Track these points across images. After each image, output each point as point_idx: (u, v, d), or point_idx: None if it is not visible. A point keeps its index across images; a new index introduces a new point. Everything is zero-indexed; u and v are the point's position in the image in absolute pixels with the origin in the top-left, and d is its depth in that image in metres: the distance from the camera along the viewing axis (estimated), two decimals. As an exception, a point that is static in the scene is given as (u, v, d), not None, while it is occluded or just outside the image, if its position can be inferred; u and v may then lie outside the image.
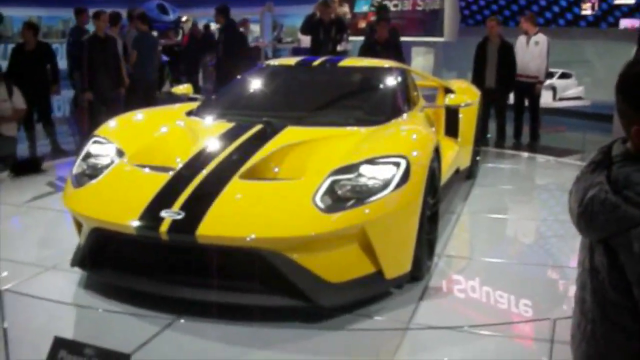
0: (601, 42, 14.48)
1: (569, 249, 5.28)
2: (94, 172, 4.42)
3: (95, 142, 4.72)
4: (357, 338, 3.72)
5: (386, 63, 6.24)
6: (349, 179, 3.89)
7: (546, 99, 11.11)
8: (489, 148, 9.27)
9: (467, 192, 7.00)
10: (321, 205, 3.72)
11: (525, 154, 9.26)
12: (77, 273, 4.32)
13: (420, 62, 14.37)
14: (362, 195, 3.82)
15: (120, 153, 4.51)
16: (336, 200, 3.79)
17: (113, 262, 4.04)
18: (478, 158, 7.78)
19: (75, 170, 4.53)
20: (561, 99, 11.32)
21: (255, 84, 6.01)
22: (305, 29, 10.62)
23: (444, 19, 14.38)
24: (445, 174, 5.59)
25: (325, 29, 10.14)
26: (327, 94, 5.72)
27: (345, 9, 15.30)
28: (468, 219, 6.22)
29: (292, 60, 6.45)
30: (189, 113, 5.38)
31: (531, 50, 9.39)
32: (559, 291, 4.66)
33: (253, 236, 3.58)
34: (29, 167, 7.80)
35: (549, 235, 5.95)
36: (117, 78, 9.11)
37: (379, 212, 3.78)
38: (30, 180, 7.26)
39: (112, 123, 5.13)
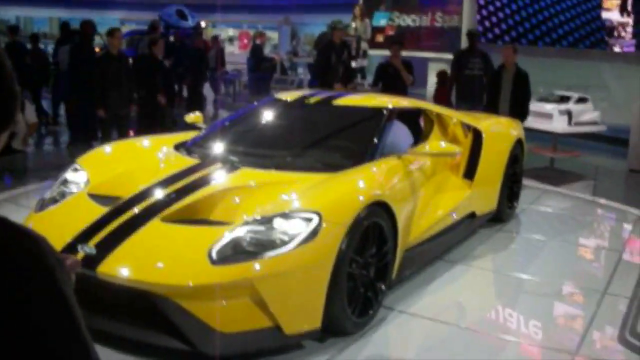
0: (619, 65, 14.37)
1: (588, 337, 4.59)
2: (60, 198, 4.70)
3: (73, 169, 4.99)
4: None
5: (391, 102, 5.98)
6: (257, 232, 3.90)
7: (560, 125, 10.99)
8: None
9: (484, 239, 6.45)
10: (214, 256, 3.76)
11: (575, 194, 8.84)
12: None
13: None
14: (263, 249, 3.81)
15: (87, 182, 4.78)
16: (237, 252, 3.81)
17: None
18: (515, 204, 7.29)
19: (47, 194, 4.80)
20: (577, 124, 11.18)
21: (254, 118, 6.07)
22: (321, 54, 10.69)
23: (461, 36, 14.28)
24: (432, 223, 5.45)
25: (337, 51, 10.13)
26: (310, 134, 5.66)
27: (367, 22, 15.29)
28: (464, 271, 5.61)
29: (295, 95, 6.35)
30: (178, 145, 5.49)
31: None
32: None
33: (142, 279, 3.72)
34: None
35: (563, 308, 5.06)
36: (129, 96, 9.11)
37: (271, 269, 3.75)
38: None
39: (96, 150, 5.46)
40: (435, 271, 5.50)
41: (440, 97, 11.11)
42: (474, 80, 9.90)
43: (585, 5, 15.93)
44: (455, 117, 6.65)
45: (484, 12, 17.48)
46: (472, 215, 6.29)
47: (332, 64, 10.07)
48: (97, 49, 11.34)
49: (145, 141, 5.77)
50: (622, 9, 14.85)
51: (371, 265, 4.42)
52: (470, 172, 6.34)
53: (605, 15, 14.95)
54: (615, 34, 15.16)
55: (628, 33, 15.00)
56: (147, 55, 9.96)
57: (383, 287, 4.56)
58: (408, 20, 15.58)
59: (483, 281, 5.63)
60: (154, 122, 9.35)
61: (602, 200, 8.38)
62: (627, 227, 7.44)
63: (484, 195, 6.52)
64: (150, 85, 9.74)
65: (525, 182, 8.84)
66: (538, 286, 5.43)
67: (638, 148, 10.70)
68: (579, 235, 7.10)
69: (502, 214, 6.97)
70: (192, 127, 6.11)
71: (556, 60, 15.01)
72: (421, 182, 5.42)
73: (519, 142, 7.27)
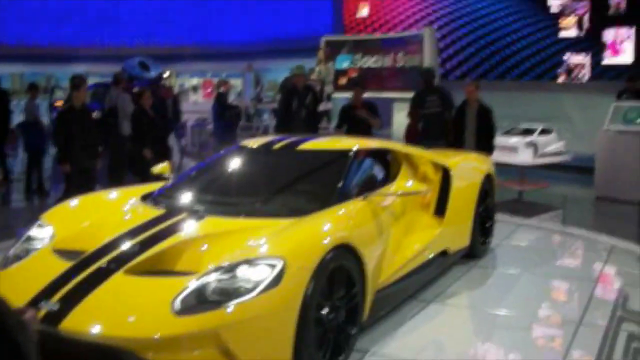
0: (580, 96, 14.65)
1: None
2: (24, 255, 4.60)
3: (38, 225, 4.91)
4: None
5: (357, 144, 5.93)
6: (221, 280, 3.84)
7: (526, 157, 11.11)
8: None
9: (459, 275, 6.41)
10: (178, 306, 3.69)
11: (547, 225, 8.93)
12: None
13: (402, 118, 14.39)
14: (227, 298, 3.75)
15: (53, 237, 4.69)
16: (201, 302, 3.74)
17: None
18: (489, 239, 7.30)
19: (11, 251, 4.70)
20: (542, 156, 11.31)
21: (220, 167, 6.03)
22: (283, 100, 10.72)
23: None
24: (404, 263, 5.40)
25: (300, 96, 10.14)
26: (276, 180, 5.63)
27: (330, 65, 15.42)
28: (439, 309, 5.52)
29: (261, 141, 6.32)
30: (145, 196, 5.44)
31: None
32: None
33: (106, 334, 3.65)
34: None
35: (539, 341, 5.04)
36: (94, 149, 9.00)
37: (236, 317, 3.69)
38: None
39: (61, 205, 5.40)
40: (410, 311, 5.43)
41: (413, 136, 11.17)
42: (433, 118, 9.95)
43: (541, 43, 16.35)
44: (423, 155, 6.62)
45: (445, 55, 17.88)
46: (445, 253, 6.25)
47: (294, 109, 10.08)
48: (59, 103, 11.22)
49: (112, 193, 5.69)
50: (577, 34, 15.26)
51: (340, 309, 4.35)
52: (441, 210, 6.30)
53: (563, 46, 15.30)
54: (575, 73, 15.57)
55: (587, 71, 15.42)
56: (138, 109, 9.98)
57: (353, 330, 4.49)
58: (370, 62, 15.75)
59: (459, 318, 5.57)
60: (141, 176, 9.24)
61: (574, 230, 8.45)
62: (599, 255, 7.45)
63: (455, 232, 6.49)
64: (138, 138, 9.77)
65: (497, 216, 8.89)
66: (514, 320, 5.38)
67: (604, 175, 10.86)
68: (553, 267, 7.08)
69: (476, 250, 6.95)
70: (159, 178, 6.05)
71: (519, 94, 15.28)
72: (390, 223, 5.37)
73: (488, 177, 7.27)
